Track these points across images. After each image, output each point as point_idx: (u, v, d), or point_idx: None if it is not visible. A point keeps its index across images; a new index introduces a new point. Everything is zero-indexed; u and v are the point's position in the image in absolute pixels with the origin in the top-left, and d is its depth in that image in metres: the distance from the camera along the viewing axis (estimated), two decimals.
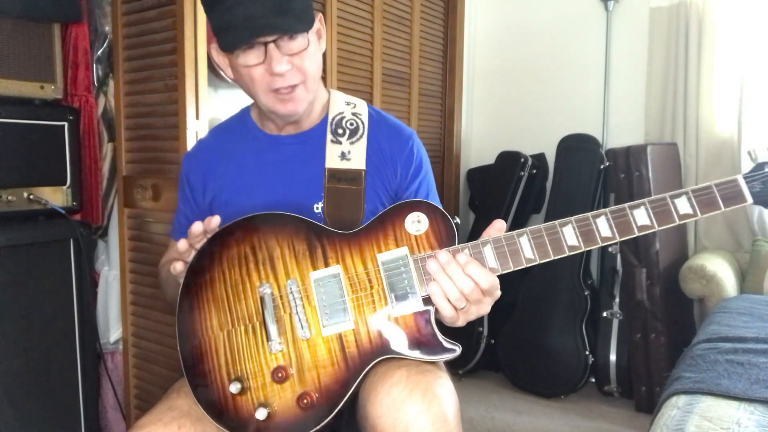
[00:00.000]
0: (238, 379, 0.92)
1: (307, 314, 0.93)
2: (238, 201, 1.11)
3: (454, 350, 0.90)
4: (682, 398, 1.34)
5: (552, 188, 2.70)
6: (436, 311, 0.91)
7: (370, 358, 0.90)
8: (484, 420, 2.23)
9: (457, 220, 0.96)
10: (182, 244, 0.97)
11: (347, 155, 1.09)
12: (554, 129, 2.75)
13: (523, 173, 2.74)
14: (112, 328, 2.01)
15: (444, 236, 0.93)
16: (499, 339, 2.64)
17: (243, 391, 0.92)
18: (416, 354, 0.90)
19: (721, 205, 0.84)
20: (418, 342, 0.90)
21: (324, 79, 2.16)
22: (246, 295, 0.96)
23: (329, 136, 1.11)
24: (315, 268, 0.95)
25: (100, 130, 1.96)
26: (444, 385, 0.88)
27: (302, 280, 0.95)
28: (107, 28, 1.93)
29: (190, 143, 1.69)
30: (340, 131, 1.11)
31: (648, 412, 2.21)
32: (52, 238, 1.70)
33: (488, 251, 0.91)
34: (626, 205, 0.87)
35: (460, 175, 3.07)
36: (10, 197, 1.63)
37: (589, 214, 0.88)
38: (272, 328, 0.92)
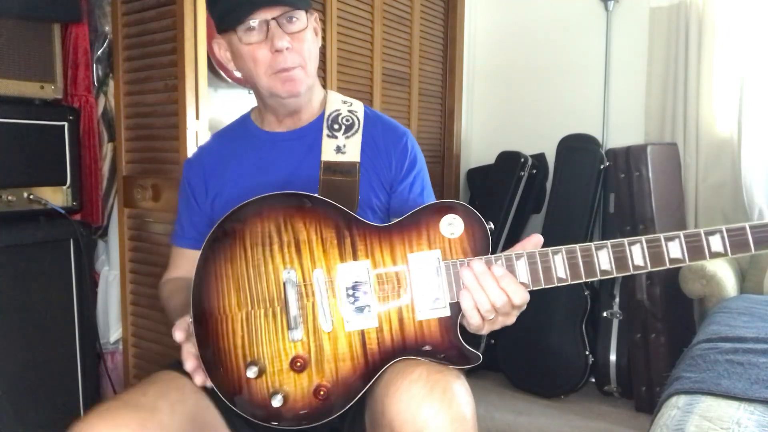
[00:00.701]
0: (254, 363, 0.91)
1: (331, 307, 0.92)
2: (238, 198, 1.12)
3: (477, 357, 0.90)
4: (682, 398, 1.34)
5: (552, 188, 2.70)
6: (462, 317, 0.90)
7: (390, 357, 0.90)
8: (484, 420, 2.23)
9: (491, 225, 0.94)
10: (179, 335, 0.97)
11: (342, 149, 1.11)
12: (554, 129, 2.75)
13: (523, 173, 2.74)
14: (112, 328, 2.01)
15: (478, 242, 0.91)
16: (499, 339, 2.64)
17: (259, 375, 0.91)
18: (437, 359, 0.89)
19: (752, 248, 0.84)
20: (441, 347, 0.90)
21: (324, 79, 2.16)
22: (268, 277, 0.94)
23: (325, 131, 1.13)
24: (343, 260, 0.93)
25: (100, 130, 1.97)
26: (462, 386, 0.88)
27: (329, 272, 0.93)
28: (107, 28, 1.93)
29: (190, 143, 1.70)
30: (336, 126, 1.14)
31: (648, 412, 2.21)
32: (52, 238, 1.70)
33: (521, 265, 0.89)
34: (662, 235, 0.86)
35: (460, 175, 3.07)
36: (10, 197, 1.63)
37: (624, 240, 0.86)
38: (295, 316, 0.91)
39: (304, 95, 1.10)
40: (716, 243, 0.84)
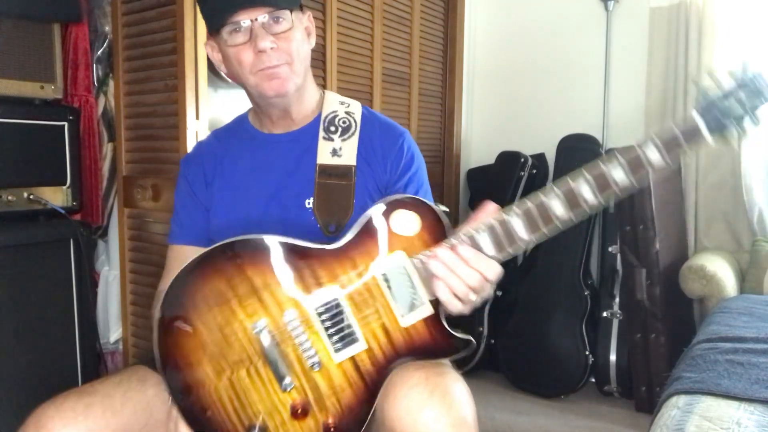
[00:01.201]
0: (254, 426, 0.88)
1: (313, 343, 0.89)
2: (234, 199, 1.13)
3: (470, 342, 0.89)
4: (682, 398, 1.34)
5: None
6: (443, 307, 0.90)
7: (387, 371, 0.89)
8: (484, 420, 2.23)
9: (444, 207, 0.92)
10: None
11: (338, 151, 1.10)
12: (554, 129, 2.75)
13: (523, 173, 2.74)
14: (112, 328, 2.01)
15: (437, 229, 0.89)
16: (499, 339, 2.63)
17: None
18: (432, 357, 0.89)
19: (683, 144, 0.85)
20: (433, 345, 0.89)
21: (324, 78, 2.16)
22: (237, 336, 0.90)
23: (321, 134, 1.12)
24: (309, 292, 0.89)
25: (100, 130, 1.97)
26: (462, 388, 0.87)
27: (299, 309, 0.90)
28: (107, 28, 1.93)
29: (190, 143, 1.70)
30: (332, 129, 1.13)
31: (648, 412, 2.21)
32: (52, 238, 1.70)
33: (485, 239, 0.86)
34: (600, 162, 0.85)
35: (460, 175, 3.07)
36: (10, 197, 1.63)
37: (569, 182, 0.85)
38: (279, 366, 0.88)
39: (293, 94, 1.08)
40: (653, 154, 0.84)
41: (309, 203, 1.08)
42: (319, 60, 2.14)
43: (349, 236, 0.91)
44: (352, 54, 2.30)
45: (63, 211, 1.73)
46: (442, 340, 0.89)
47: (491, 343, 2.67)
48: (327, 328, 0.89)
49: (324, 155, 1.10)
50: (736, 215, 2.53)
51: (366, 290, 0.89)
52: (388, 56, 2.50)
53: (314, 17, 2.06)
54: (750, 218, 2.48)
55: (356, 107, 1.18)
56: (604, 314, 2.50)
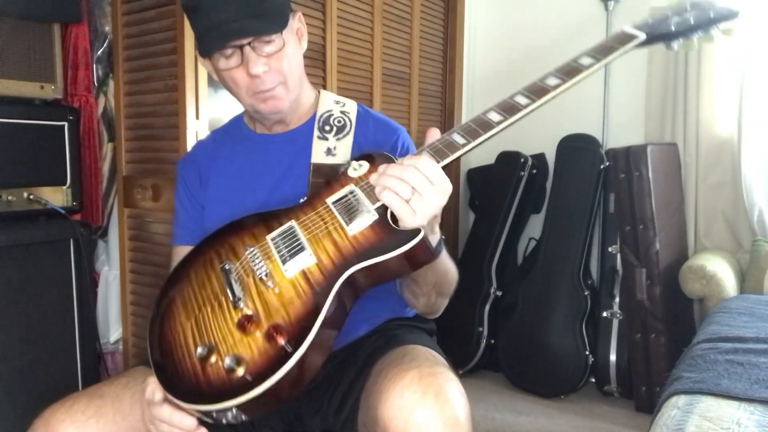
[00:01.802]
0: (203, 345, 0.85)
1: (269, 268, 0.91)
2: (228, 200, 1.14)
3: (416, 231, 0.86)
4: (682, 398, 1.34)
5: (552, 188, 2.70)
6: (391, 214, 0.89)
7: (336, 275, 0.87)
8: (484, 420, 2.23)
9: (397, 158, 0.97)
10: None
11: (333, 151, 1.11)
12: (554, 129, 2.75)
13: (523, 173, 2.74)
14: (112, 328, 2.01)
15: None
16: (499, 339, 2.64)
17: (210, 353, 0.84)
18: (385, 255, 0.86)
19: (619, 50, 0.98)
20: (380, 242, 0.88)
21: (324, 79, 2.16)
22: (211, 281, 0.94)
23: (316, 133, 1.13)
24: (271, 231, 0.97)
25: (100, 130, 1.97)
26: (456, 388, 0.86)
27: (258, 242, 0.96)
28: (107, 28, 1.93)
29: (190, 143, 1.70)
30: (327, 128, 1.14)
31: (648, 412, 2.21)
32: (52, 238, 1.70)
33: (424, 153, 0.90)
34: (538, 80, 0.98)
35: (460, 175, 3.07)
36: (10, 197, 1.63)
37: (505, 98, 0.97)
38: (236, 288, 0.89)
39: (289, 108, 1.10)
40: (585, 59, 1.00)
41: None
42: (319, 60, 2.14)
43: (312, 190, 1.03)
44: (352, 54, 2.30)
45: (63, 211, 1.73)
46: (387, 236, 0.88)
47: (491, 343, 2.67)
48: (279, 249, 0.93)
49: (318, 154, 1.11)
50: (736, 215, 2.53)
51: (318, 217, 0.96)
52: (388, 56, 2.50)
53: (314, 17, 2.08)
54: (750, 218, 2.48)
55: (351, 106, 1.18)
56: (604, 314, 2.50)
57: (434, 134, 0.93)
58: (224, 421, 0.82)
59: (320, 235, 0.92)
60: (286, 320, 0.85)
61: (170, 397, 0.83)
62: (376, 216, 0.90)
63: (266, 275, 0.90)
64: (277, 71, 1.03)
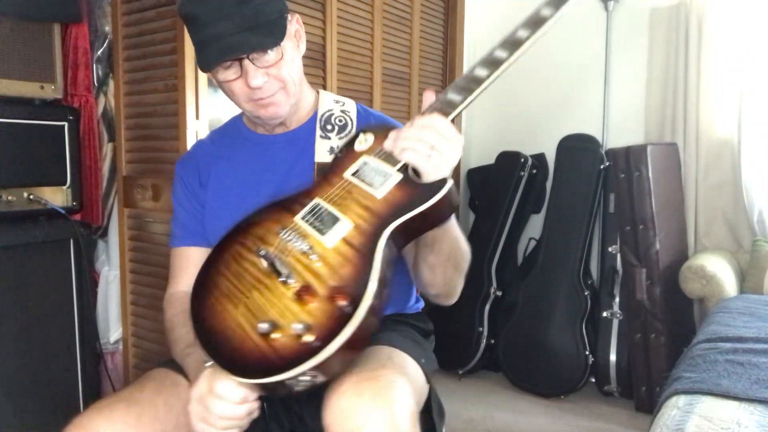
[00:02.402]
0: (264, 321, 0.85)
1: (309, 243, 0.92)
2: (232, 200, 1.13)
3: (443, 181, 0.90)
4: (682, 398, 1.34)
5: (552, 188, 2.70)
6: (413, 171, 0.92)
7: (377, 234, 0.88)
8: (484, 420, 2.23)
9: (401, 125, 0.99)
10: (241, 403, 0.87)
11: (336, 150, 1.11)
12: (554, 129, 2.75)
13: (523, 173, 2.74)
14: (112, 328, 2.01)
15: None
16: (499, 339, 2.64)
17: (273, 328, 0.84)
18: (421, 207, 0.89)
19: None
20: (411, 197, 0.90)
21: (324, 79, 2.16)
22: (247, 270, 0.94)
23: (318, 132, 1.13)
24: (296, 213, 0.97)
25: (100, 130, 1.97)
26: (397, 388, 0.84)
27: (289, 224, 0.96)
28: (107, 28, 1.93)
29: (190, 143, 1.70)
30: (329, 127, 1.14)
31: (648, 412, 2.21)
32: (52, 238, 1.70)
33: (434, 113, 0.93)
34: (509, 35, 1.06)
35: (460, 175, 3.07)
36: (10, 197, 1.63)
37: (486, 55, 1.03)
38: (281, 267, 0.89)
39: (289, 111, 1.10)
40: (545, 10, 1.07)
41: None
42: (319, 60, 2.14)
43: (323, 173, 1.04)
44: (352, 54, 2.30)
45: (63, 211, 1.73)
46: (416, 191, 0.91)
47: (491, 343, 2.67)
48: (313, 225, 0.94)
49: (322, 154, 1.11)
50: (736, 215, 2.53)
51: (341, 190, 0.97)
52: (388, 56, 2.50)
53: (314, 17, 2.09)
54: (750, 218, 2.48)
55: (351, 105, 1.19)
56: (604, 314, 2.51)
57: (430, 97, 0.96)
58: (296, 389, 0.83)
59: (350, 204, 0.94)
60: (342, 282, 0.86)
61: (240, 379, 0.83)
62: (400, 176, 0.93)
63: (309, 249, 0.91)
64: (277, 79, 1.03)
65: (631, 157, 2.30)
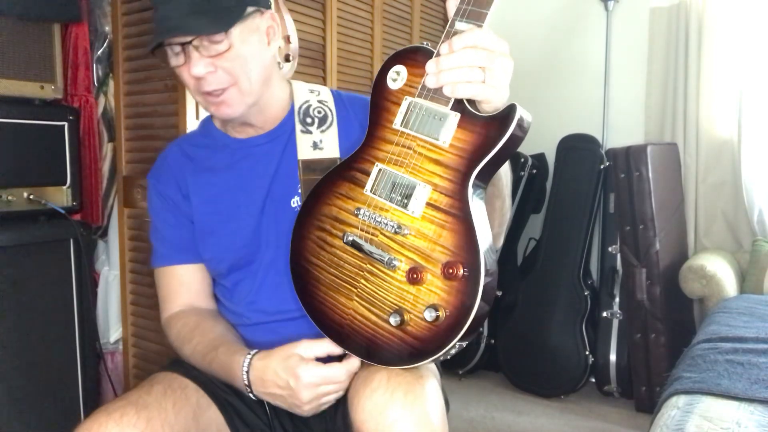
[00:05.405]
0: (392, 314, 0.85)
1: (388, 216, 0.88)
2: (221, 210, 1.09)
3: (510, 107, 0.83)
4: (682, 398, 1.34)
5: (552, 188, 2.70)
6: (471, 103, 0.85)
7: (461, 189, 0.84)
8: (484, 420, 2.23)
9: (426, 43, 0.91)
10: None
11: (319, 144, 1.06)
12: (554, 129, 2.75)
13: (523, 173, 2.74)
14: (112, 328, 2.01)
15: (426, 59, 0.86)
16: (499, 339, 2.64)
17: (403, 318, 0.84)
18: (498, 145, 0.82)
19: None
20: (484, 136, 0.83)
21: (324, 79, 2.16)
22: (343, 258, 0.91)
23: (298, 126, 1.07)
24: (363, 187, 0.91)
25: (100, 130, 1.96)
26: (426, 385, 0.85)
27: (362, 203, 0.91)
28: (107, 28, 1.93)
29: None
30: (308, 120, 1.09)
31: (648, 412, 2.21)
32: (52, 238, 1.70)
33: (460, 25, 0.85)
34: None
35: None
36: (10, 197, 1.63)
37: None
38: (377, 252, 0.87)
39: (248, 111, 1.02)
40: None
41: (295, 202, 1.05)
42: (319, 60, 2.14)
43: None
44: (352, 54, 2.30)
45: (63, 211, 1.73)
46: (484, 128, 0.83)
47: (491, 343, 2.67)
48: (388, 196, 0.88)
49: (305, 150, 1.06)
50: (736, 215, 2.53)
51: (398, 147, 0.89)
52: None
53: (314, 17, 2.09)
54: (750, 218, 2.48)
55: (327, 94, 1.13)
56: (604, 314, 2.51)
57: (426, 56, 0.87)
58: (449, 354, 0.85)
59: (418, 162, 0.87)
60: (450, 252, 0.83)
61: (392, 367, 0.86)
62: (458, 114, 0.85)
63: (397, 226, 0.87)
64: (226, 72, 0.96)
65: (631, 157, 2.30)
